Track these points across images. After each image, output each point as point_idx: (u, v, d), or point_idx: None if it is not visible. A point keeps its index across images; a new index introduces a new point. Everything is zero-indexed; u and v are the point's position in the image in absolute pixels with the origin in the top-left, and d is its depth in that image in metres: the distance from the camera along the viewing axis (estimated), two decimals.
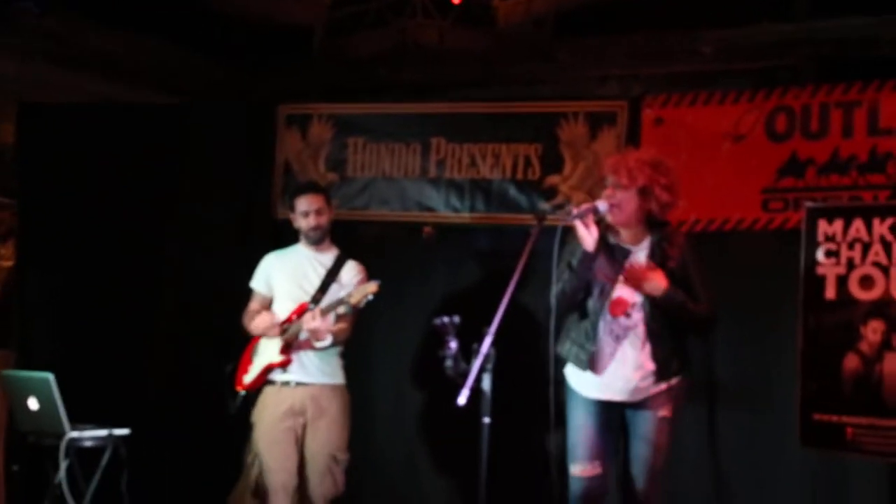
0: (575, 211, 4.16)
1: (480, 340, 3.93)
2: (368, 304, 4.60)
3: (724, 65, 5.47)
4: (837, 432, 4.69)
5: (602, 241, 4.23)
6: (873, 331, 4.68)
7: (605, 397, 4.28)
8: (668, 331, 4.26)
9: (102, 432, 4.86)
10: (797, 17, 5.52)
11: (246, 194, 6.27)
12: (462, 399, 3.80)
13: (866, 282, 4.72)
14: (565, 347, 4.35)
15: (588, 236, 4.14)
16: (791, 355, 4.84)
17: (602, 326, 4.26)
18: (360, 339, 5.12)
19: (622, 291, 4.25)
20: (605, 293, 4.26)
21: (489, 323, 3.97)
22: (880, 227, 4.72)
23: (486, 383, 3.93)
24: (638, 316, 4.23)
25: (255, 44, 6.28)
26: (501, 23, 5.91)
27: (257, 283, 5.12)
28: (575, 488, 4.27)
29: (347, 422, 4.95)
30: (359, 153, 6.06)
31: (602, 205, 4.17)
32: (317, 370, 4.89)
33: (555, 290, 4.20)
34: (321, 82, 6.33)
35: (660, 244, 4.28)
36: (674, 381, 4.29)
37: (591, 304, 4.29)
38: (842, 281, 4.77)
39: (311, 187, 5.17)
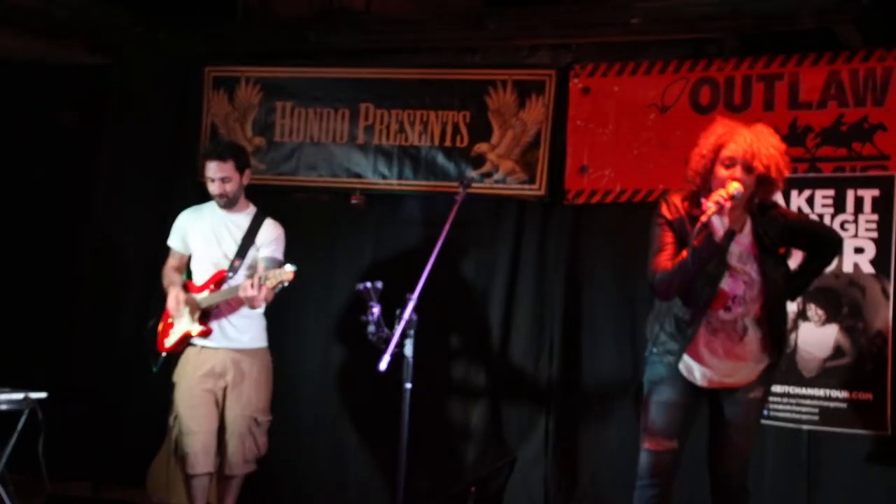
0: (720, 200, 3.68)
1: (403, 306, 3.94)
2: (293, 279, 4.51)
3: (652, 35, 5.48)
4: None
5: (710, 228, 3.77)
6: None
7: (694, 381, 3.96)
8: (775, 322, 3.97)
9: (18, 395, 4.73)
10: None
11: (171, 156, 6.19)
12: (382, 365, 3.81)
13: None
14: (657, 335, 3.99)
15: (721, 227, 3.78)
16: None
17: (698, 318, 3.89)
18: (289, 303, 5.09)
19: (724, 283, 3.87)
20: (705, 283, 3.87)
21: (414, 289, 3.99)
22: (798, 199, 4.82)
23: (409, 349, 3.94)
24: (738, 311, 3.88)
25: (180, 2, 6.13)
26: None
27: (174, 240, 5.05)
28: (644, 462, 3.97)
29: (269, 384, 4.91)
30: (287, 117, 6.01)
31: (739, 192, 3.73)
32: (238, 334, 4.84)
33: (660, 274, 3.85)
34: (249, 45, 6.23)
35: (765, 230, 3.91)
36: (767, 365, 4.00)
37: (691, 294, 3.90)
38: None
39: (217, 153, 4.86)
